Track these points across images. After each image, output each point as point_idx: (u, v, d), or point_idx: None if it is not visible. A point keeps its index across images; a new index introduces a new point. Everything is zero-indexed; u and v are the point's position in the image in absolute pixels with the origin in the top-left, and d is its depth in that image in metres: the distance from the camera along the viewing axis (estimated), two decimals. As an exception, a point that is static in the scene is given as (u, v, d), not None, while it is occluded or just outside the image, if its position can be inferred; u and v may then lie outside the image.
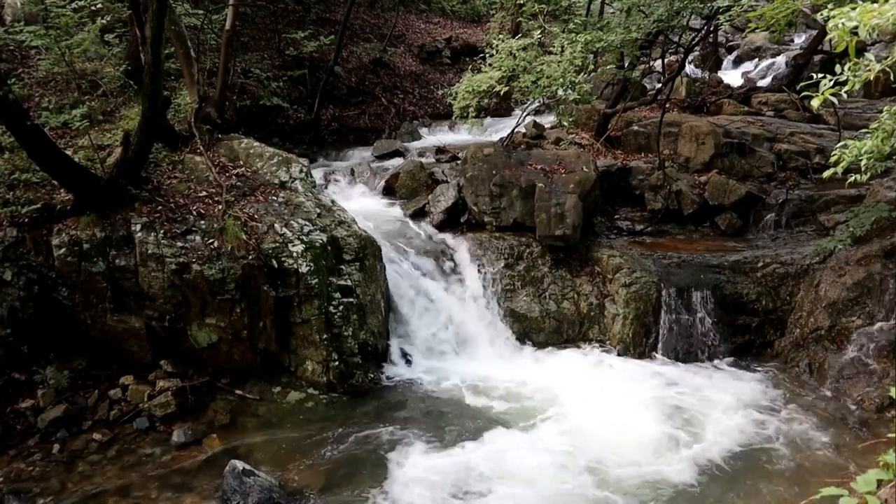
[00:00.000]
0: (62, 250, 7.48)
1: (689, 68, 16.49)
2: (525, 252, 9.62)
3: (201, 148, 9.06)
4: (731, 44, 20.04)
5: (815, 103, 3.78)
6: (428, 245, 9.89)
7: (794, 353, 8.60)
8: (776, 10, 5.91)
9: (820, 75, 3.77)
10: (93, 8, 8.58)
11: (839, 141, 5.59)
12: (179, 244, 7.67)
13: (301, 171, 9.40)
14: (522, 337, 9.21)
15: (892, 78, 3.78)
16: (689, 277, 9.13)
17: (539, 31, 10.30)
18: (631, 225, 10.75)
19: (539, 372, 8.56)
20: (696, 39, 12.46)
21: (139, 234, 7.63)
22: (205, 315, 7.74)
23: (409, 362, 8.74)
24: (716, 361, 8.79)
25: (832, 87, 3.69)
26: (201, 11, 10.89)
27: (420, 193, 10.91)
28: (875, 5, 3.29)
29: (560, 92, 9.74)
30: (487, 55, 10.23)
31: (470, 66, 13.14)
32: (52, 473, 6.54)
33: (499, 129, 13.82)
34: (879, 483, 2.97)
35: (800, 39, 18.78)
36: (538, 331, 9.26)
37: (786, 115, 13.09)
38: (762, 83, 15.87)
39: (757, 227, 10.45)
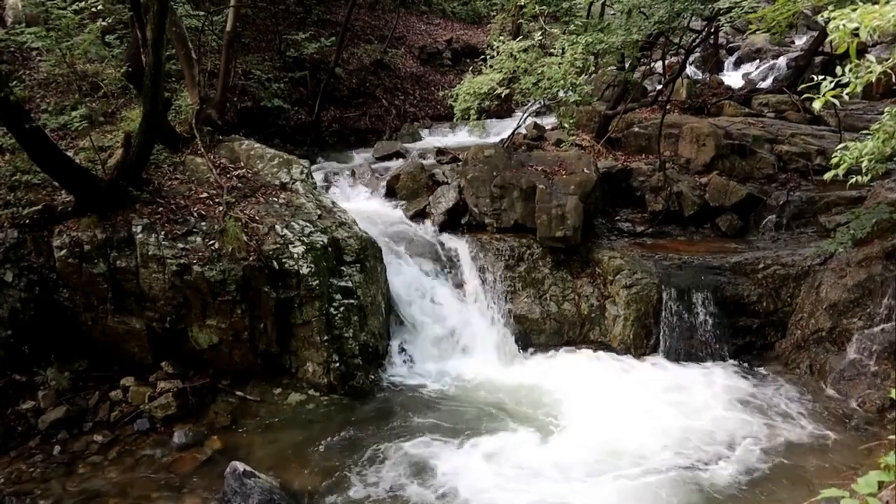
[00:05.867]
0: (63, 252, 7.49)
1: (690, 70, 16.51)
2: (526, 253, 9.62)
3: (202, 149, 9.06)
4: (731, 45, 20.06)
5: (816, 105, 3.78)
6: (428, 246, 9.89)
7: (794, 354, 8.59)
8: (777, 12, 5.92)
9: (821, 77, 3.76)
10: (94, 9, 8.57)
11: (840, 142, 5.59)
12: (180, 245, 7.68)
13: (302, 172, 9.41)
14: (523, 338, 9.20)
15: (893, 80, 3.78)
16: (689, 279, 9.12)
17: (540, 33, 10.27)
18: (632, 226, 10.75)
19: (540, 373, 8.58)
20: (697, 41, 12.47)
21: (140, 236, 7.63)
22: (205, 316, 7.74)
23: (409, 363, 8.75)
24: (717, 363, 8.77)
25: (833, 88, 3.68)
26: (202, 13, 10.89)
27: (421, 195, 10.90)
28: (876, 7, 3.29)
29: (561, 93, 9.72)
30: (488, 57, 10.21)
31: (471, 68, 13.14)
32: (52, 475, 6.54)
33: (499, 131, 13.80)
34: (880, 485, 2.97)
35: (800, 41, 18.82)
36: (539, 332, 9.25)
37: (787, 116, 13.10)
38: (763, 85, 15.88)
39: (758, 228, 10.44)
